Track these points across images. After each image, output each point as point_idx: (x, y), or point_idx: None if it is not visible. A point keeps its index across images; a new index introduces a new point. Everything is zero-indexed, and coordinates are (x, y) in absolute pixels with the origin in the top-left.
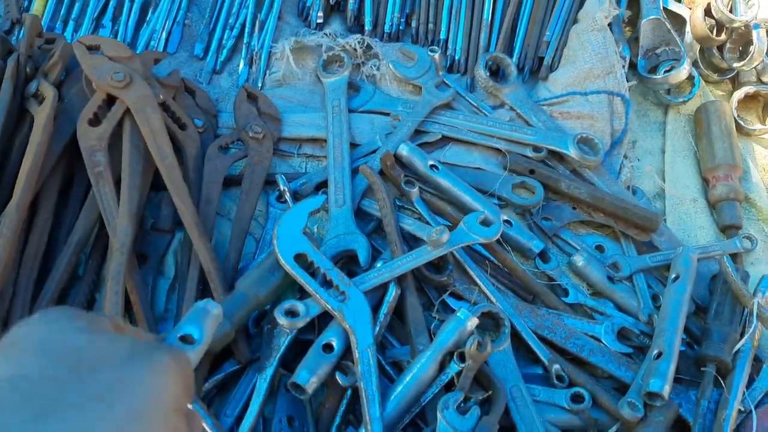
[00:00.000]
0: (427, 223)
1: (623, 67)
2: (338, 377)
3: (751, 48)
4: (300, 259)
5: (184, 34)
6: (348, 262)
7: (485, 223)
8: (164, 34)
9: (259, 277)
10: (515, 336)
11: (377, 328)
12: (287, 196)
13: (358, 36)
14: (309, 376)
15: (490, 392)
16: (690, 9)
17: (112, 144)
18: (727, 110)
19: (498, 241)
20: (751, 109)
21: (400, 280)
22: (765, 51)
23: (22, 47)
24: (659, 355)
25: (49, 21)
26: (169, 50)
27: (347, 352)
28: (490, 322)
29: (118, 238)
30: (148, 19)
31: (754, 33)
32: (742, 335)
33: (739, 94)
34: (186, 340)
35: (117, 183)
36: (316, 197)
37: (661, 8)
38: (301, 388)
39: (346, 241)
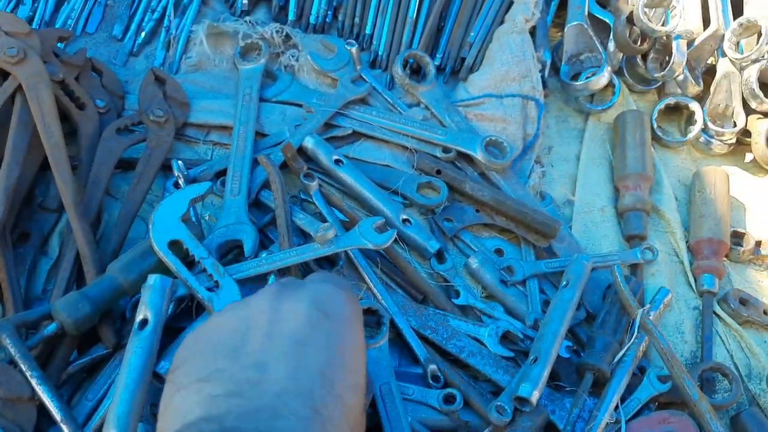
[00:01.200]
0: (324, 220)
1: (541, 71)
2: None
3: (672, 58)
4: (174, 246)
5: (106, 15)
6: (239, 254)
7: (380, 229)
8: (84, 14)
9: (129, 261)
10: (399, 335)
11: None
12: (182, 182)
13: (277, 25)
14: (168, 365)
15: None
16: (615, 16)
17: (2, 120)
18: (644, 120)
19: (396, 239)
20: (674, 120)
21: (283, 272)
22: (684, 63)
23: None
24: (535, 360)
25: None
26: (88, 30)
27: None
28: (372, 319)
29: None
30: None
31: (674, 44)
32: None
33: (660, 105)
34: None
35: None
36: (200, 184)
37: (586, 14)
38: (160, 377)
39: (234, 230)
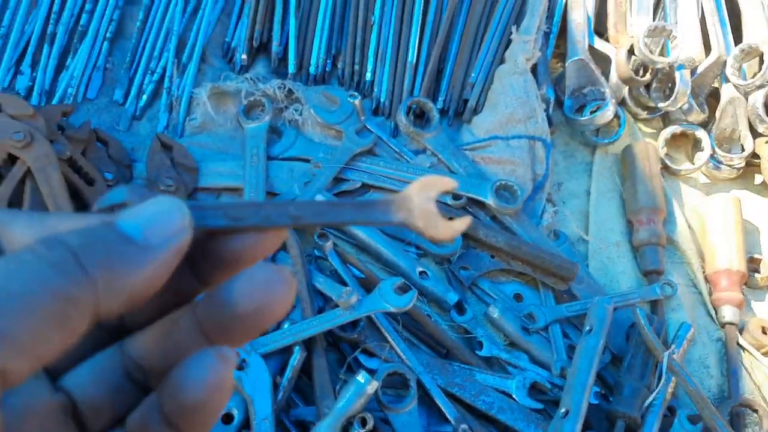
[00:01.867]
0: (342, 279)
1: (546, 110)
2: None
3: (675, 89)
4: None
5: (106, 79)
6: None
7: (401, 290)
8: (84, 80)
9: None
10: (426, 394)
11: (280, 394)
12: None
13: (279, 81)
14: None
15: None
16: (615, 48)
17: (14, 204)
18: (651, 151)
19: None
20: (680, 147)
21: (308, 340)
22: (689, 92)
23: None
24: (566, 413)
25: None
26: (89, 96)
27: (246, 420)
28: (398, 380)
29: None
30: (67, 64)
31: (677, 74)
32: (656, 388)
33: (665, 133)
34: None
35: None
36: None
37: (586, 48)
38: None
39: None
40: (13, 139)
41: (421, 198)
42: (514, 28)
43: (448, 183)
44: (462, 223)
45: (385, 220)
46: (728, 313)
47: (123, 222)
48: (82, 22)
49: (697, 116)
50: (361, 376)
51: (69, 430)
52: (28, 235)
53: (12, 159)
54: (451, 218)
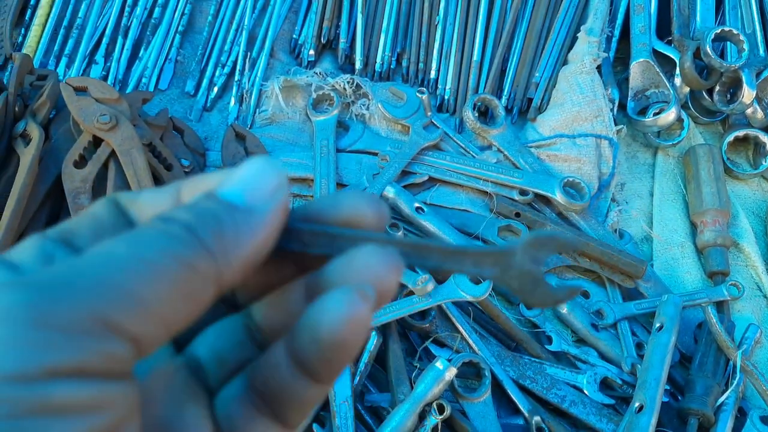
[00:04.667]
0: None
1: (611, 110)
2: (315, 429)
3: (740, 92)
4: None
5: (177, 71)
6: None
7: (475, 280)
8: (156, 71)
9: None
10: (497, 385)
11: (357, 379)
12: None
13: (348, 75)
14: None
15: None
16: (680, 52)
17: (97, 186)
18: (716, 154)
19: None
20: (741, 151)
21: (382, 327)
22: (754, 95)
23: (11, 86)
24: (641, 408)
25: (42, 57)
26: (161, 87)
27: (325, 402)
28: (471, 371)
29: None
30: (140, 55)
31: (744, 77)
32: (726, 387)
33: (728, 137)
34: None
35: None
36: None
37: (651, 50)
38: None
39: None
40: (99, 122)
41: (526, 258)
42: (582, 29)
43: (564, 244)
44: (565, 295)
45: (475, 273)
46: None
47: (224, 191)
48: (155, 15)
49: (760, 119)
50: (439, 363)
51: (193, 387)
52: (157, 207)
53: (97, 142)
54: (517, 214)
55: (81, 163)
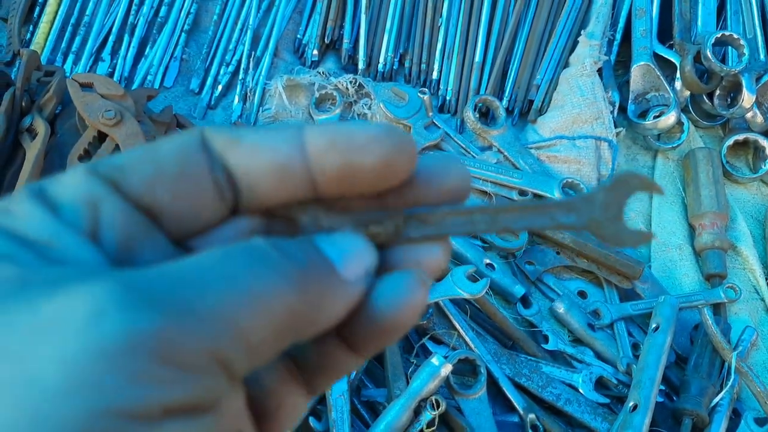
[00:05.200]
0: None
1: (611, 112)
2: (311, 423)
3: (741, 96)
4: None
5: (182, 69)
6: None
7: (472, 277)
8: (161, 69)
9: None
10: (492, 383)
11: (353, 374)
12: None
13: (351, 75)
14: None
15: None
16: (681, 56)
17: None
18: (715, 157)
19: None
20: (740, 155)
21: None
22: (754, 99)
23: (18, 82)
24: (635, 407)
25: (49, 54)
26: (166, 84)
27: (321, 396)
28: (467, 368)
29: None
30: (146, 53)
31: (744, 82)
32: (721, 388)
33: (728, 141)
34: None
35: None
36: None
37: (652, 54)
38: None
39: None
40: (104, 117)
41: (609, 198)
42: (583, 33)
43: (645, 183)
44: (644, 236)
45: (553, 225)
46: None
47: (324, 245)
48: (161, 13)
49: (760, 123)
50: (435, 359)
51: None
52: (274, 157)
53: (101, 137)
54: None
55: (86, 157)
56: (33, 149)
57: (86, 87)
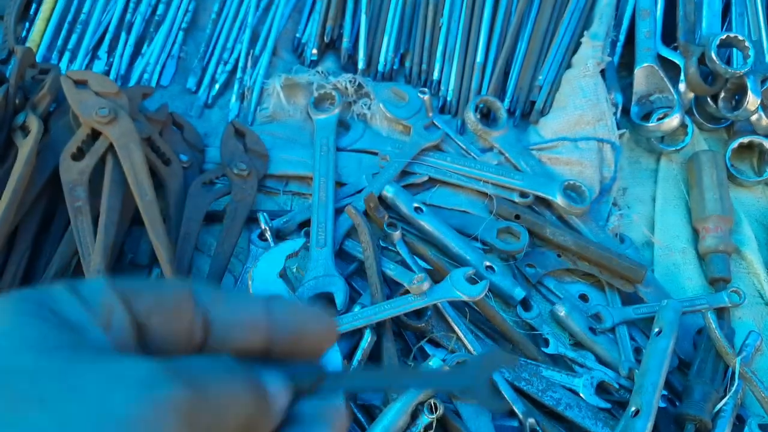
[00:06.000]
0: (409, 268)
1: (614, 114)
2: None
3: (745, 98)
4: None
5: (179, 67)
6: (328, 304)
7: (472, 279)
8: (158, 67)
9: None
10: (492, 386)
11: None
12: (268, 234)
13: (350, 75)
14: None
15: None
16: (685, 57)
17: (95, 179)
18: (719, 160)
19: None
20: (745, 158)
21: (377, 325)
22: (759, 102)
23: (12, 78)
24: (636, 413)
25: (45, 51)
26: (163, 83)
27: None
28: None
29: (90, 276)
30: (143, 51)
31: (749, 84)
32: (725, 394)
33: (733, 144)
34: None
35: (96, 218)
36: (295, 240)
37: (656, 55)
38: None
39: (324, 283)
40: (98, 115)
41: (481, 371)
42: (586, 33)
43: (510, 360)
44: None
45: (445, 387)
46: None
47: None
48: (158, 11)
49: (765, 127)
50: (433, 362)
51: None
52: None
53: (95, 135)
54: (517, 216)
55: (79, 155)
56: (25, 147)
57: (80, 84)
